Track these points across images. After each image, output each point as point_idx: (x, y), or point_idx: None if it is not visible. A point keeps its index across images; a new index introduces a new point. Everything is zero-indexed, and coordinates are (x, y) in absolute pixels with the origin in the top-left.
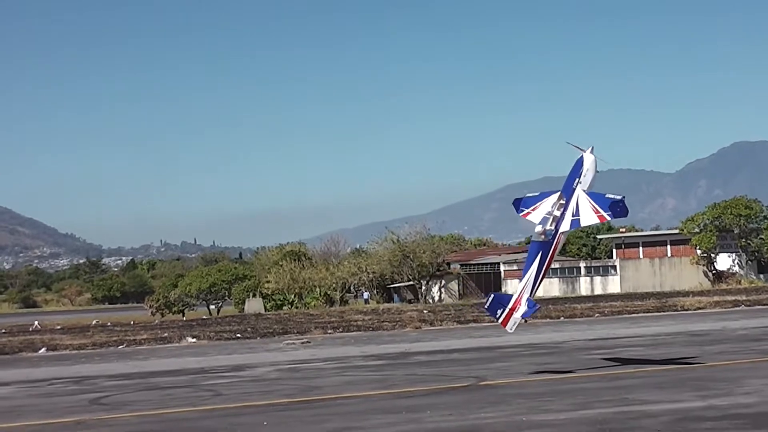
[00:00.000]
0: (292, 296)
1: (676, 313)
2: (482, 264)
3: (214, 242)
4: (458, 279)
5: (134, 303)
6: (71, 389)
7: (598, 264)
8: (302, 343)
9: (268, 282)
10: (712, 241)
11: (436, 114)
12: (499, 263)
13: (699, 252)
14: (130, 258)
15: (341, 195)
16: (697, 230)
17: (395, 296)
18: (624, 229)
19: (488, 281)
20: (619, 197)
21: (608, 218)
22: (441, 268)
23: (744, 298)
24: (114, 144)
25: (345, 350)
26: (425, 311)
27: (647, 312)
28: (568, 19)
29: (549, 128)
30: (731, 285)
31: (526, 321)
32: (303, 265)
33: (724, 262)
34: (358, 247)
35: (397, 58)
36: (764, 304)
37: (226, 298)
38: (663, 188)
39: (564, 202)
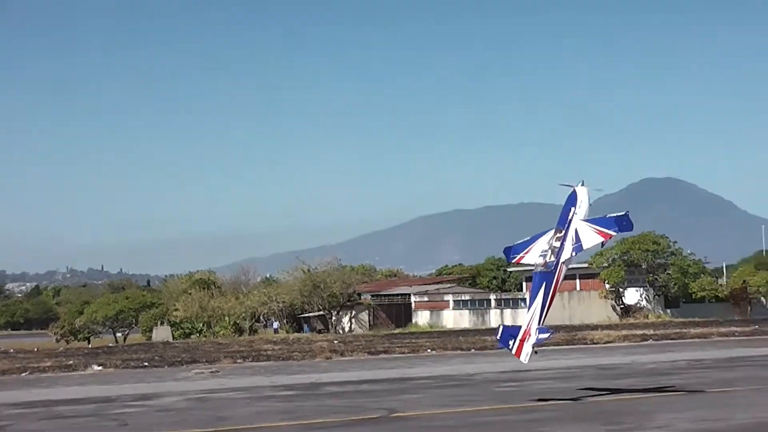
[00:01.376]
0: (201, 325)
1: (585, 346)
2: (393, 295)
3: (121, 269)
4: (369, 309)
5: (38, 330)
6: None
7: (508, 296)
8: (211, 372)
9: (176, 310)
10: (620, 275)
11: (350, 144)
12: (410, 294)
13: (608, 286)
14: (35, 284)
15: (254, 224)
16: (605, 265)
17: (305, 326)
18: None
19: (399, 312)
20: (622, 213)
21: (614, 233)
22: (352, 299)
23: (652, 332)
24: (16, 163)
25: (254, 380)
26: (336, 341)
27: (557, 345)
28: (469, 58)
29: (460, 162)
30: (639, 319)
31: (536, 352)
32: (212, 294)
33: (632, 296)
34: (268, 276)
35: (309, 85)
36: (671, 339)
37: (134, 325)
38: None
39: (561, 234)
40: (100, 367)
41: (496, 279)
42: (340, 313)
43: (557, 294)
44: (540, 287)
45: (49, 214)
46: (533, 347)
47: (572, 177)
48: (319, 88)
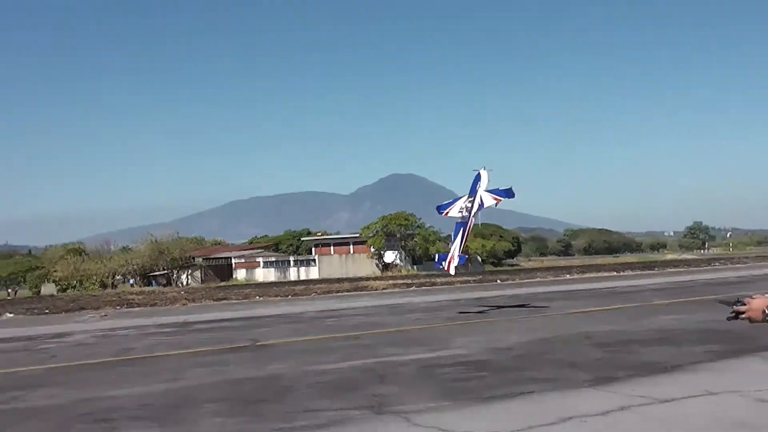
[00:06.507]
0: (75, 282)
1: (369, 292)
2: (218, 258)
3: (7, 242)
4: (201, 269)
5: None
6: None
7: (302, 258)
8: (102, 316)
9: (56, 271)
10: (381, 242)
11: (163, 143)
12: (231, 257)
13: (372, 250)
14: None
15: (104, 205)
16: (371, 234)
17: (153, 282)
18: (320, 234)
19: (223, 270)
20: (508, 187)
21: (503, 198)
22: (187, 261)
23: (410, 281)
24: None
25: (138, 321)
26: (182, 293)
27: (348, 292)
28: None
29: (257, 156)
30: (395, 273)
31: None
32: (83, 259)
33: (389, 257)
34: (124, 246)
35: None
36: (427, 286)
37: (22, 284)
38: (339, 206)
39: (472, 200)
40: (12, 315)
41: (292, 246)
42: (179, 272)
43: (339, 255)
44: (459, 231)
45: None
46: (459, 265)
47: (339, 171)
48: (127, 80)
